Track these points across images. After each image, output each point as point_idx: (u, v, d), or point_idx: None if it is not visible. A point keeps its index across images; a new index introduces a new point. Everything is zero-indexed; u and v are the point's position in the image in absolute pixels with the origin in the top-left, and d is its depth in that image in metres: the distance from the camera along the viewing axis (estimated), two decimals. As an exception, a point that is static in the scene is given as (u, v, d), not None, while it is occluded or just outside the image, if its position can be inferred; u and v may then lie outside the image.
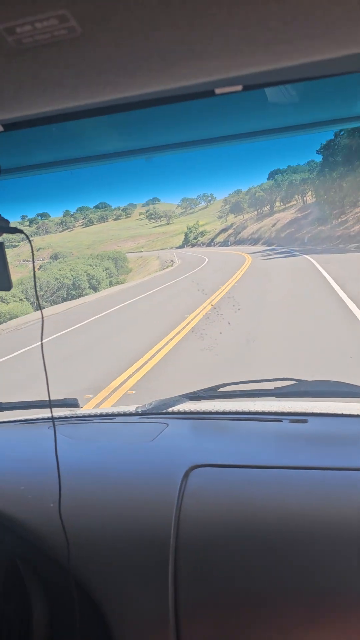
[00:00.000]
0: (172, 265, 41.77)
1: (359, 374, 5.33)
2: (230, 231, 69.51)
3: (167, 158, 1.07)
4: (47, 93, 0.54)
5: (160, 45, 0.46)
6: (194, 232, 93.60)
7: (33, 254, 1.01)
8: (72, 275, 34.12)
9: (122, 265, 56.38)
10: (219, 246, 66.94)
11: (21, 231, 0.87)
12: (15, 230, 0.86)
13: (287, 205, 62.52)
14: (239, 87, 0.60)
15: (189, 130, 0.99)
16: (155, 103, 0.64)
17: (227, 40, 0.46)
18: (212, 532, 0.99)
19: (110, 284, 38.27)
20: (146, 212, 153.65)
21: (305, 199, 54.64)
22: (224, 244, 65.94)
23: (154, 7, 0.41)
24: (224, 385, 1.56)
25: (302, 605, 0.89)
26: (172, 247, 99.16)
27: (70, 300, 26.01)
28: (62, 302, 26.14)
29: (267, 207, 65.83)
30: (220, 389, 1.55)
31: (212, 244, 75.53)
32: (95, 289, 34.01)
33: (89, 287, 33.97)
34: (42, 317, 1.04)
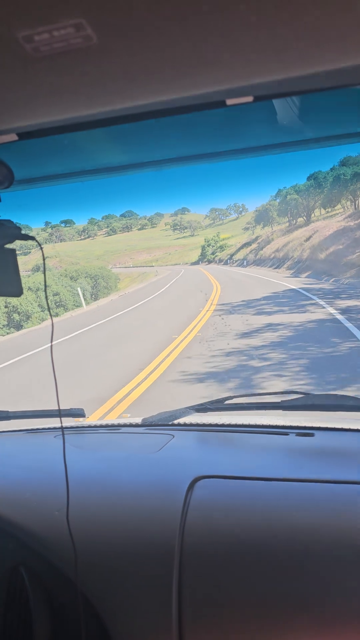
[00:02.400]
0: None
1: None
2: (253, 246, 53.49)
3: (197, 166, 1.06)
4: (62, 101, 0.55)
5: (173, 54, 0.47)
6: (213, 246, 77.64)
7: (44, 261, 1.02)
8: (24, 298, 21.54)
9: (104, 284, 42.77)
10: (237, 265, 51.15)
11: (33, 238, 0.88)
12: (26, 237, 0.87)
13: (330, 212, 45.83)
14: (250, 98, 0.60)
15: (200, 144, 1.00)
16: (167, 113, 0.64)
17: (238, 50, 0.46)
18: (217, 543, 0.99)
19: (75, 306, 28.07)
20: (172, 222, 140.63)
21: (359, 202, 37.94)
22: (241, 263, 49.91)
23: (167, 17, 0.42)
24: (231, 397, 1.57)
25: (306, 618, 0.90)
26: (186, 263, 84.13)
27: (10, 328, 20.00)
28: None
29: (303, 217, 49.10)
30: (227, 402, 1.56)
31: (229, 261, 59.59)
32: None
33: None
34: (52, 326, 1.04)
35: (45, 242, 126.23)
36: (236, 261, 55.75)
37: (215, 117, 0.83)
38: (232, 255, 62.03)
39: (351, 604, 0.88)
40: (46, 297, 1.04)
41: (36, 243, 0.89)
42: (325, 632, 0.88)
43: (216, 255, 72.63)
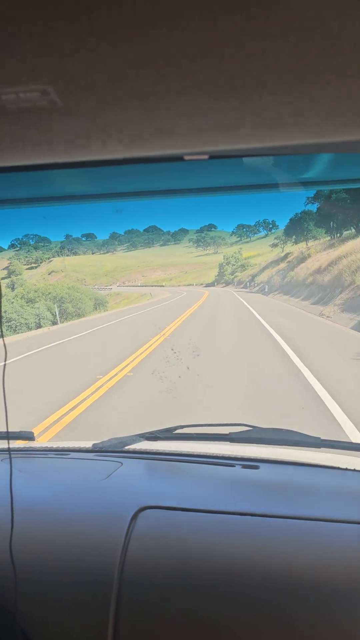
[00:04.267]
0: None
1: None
2: (281, 265, 39.84)
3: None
4: (23, 151, 0.60)
5: (132, 121, 0.51)
6: (233, 265, 64.15)
7: None
8: None
9: (73, 310, 32.32)
10: (257, 291, 37.67)
11: None
12: None
13: None
14: (205, 157, 0.66)
15: (160, 182, 1.05)
16: (126, 162, 0.69)
17: (191, 122, 0.52)
18: (156, 575, 0.99)
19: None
20: (196, 239, 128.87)
21: None
22: (262, 289, 36.47)
23: (130, 85, 0.46)
24: (182, 427, 1.58)
25: None
26: (201, 284, 71.09)
27: None
28: None
29: (353, 226, 35.01)
30: (177, 431, 1.57)
31: (249, 284, 46.00)
32: None
33: None
34: (5, 348, 1.05)
35: (55, 255, 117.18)
36: (258, 284, 42.20)
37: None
38: (254, 276, 48.46)
39: (291, 637, 0.89)
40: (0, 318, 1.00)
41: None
42: None
43: (236, 276, 59.22)
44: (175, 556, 1.01)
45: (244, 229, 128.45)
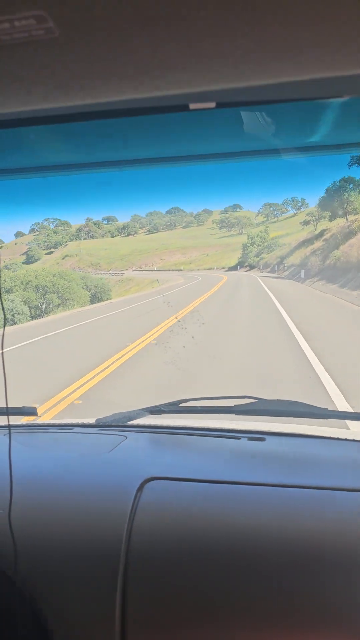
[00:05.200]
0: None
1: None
2: (317, 244, 32.53)
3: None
4: (21, 92, 0.54)
5: (136, 53, 0.47)
6: (258, 245, 56.68)
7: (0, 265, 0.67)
8: None
9: (59, 302, 26.28)
10: (289, 276, 30.67)
11: None
12: None
13: None
14: (212, 104, 0.60)
15: (168, 146, 1.01)
16: (129, 113, 0.64)
17: (201, 55, 0.47)
18: (164, 545, 0.99)
19: None
20: (220, 220, 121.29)
21: None
22: (296, 273, 29.14)
23: (131, 15, 0.42)
24: (186, 400, 1.58)
25: (252, 620, 0.91)
26: (223, 267, 63.97)
27: None
28: None
29: None
30: (182, 404, 1.56)
31: (277, 267, 38.75)
32: None
33: None
34: (4, 324, 0.94)
35: (72, 239, 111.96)
36: (288, 268, 34.88)
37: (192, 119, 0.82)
38: (283, 258, 41.10)
39: (298, 606, 0.89)
40: (1, 302, 1.00)
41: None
42: (271, 635, 0.89)
43: (261, 258, 51.86)
44: (182, 526, 1.00)
45: (271, 208, 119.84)
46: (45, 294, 26.29)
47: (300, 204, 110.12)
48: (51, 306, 25.89)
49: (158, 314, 14.93)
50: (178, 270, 68.73)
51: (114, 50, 0.47)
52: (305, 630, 0.88)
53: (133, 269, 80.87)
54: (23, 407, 1.50)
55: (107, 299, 31.81)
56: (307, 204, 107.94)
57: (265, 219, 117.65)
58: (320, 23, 0.43)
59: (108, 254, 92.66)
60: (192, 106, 0.60)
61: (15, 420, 1.64)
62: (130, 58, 0.48)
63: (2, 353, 0.97)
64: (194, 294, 22.30)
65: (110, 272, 71.17)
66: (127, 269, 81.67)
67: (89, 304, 27.94)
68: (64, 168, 1.04)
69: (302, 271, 26.88)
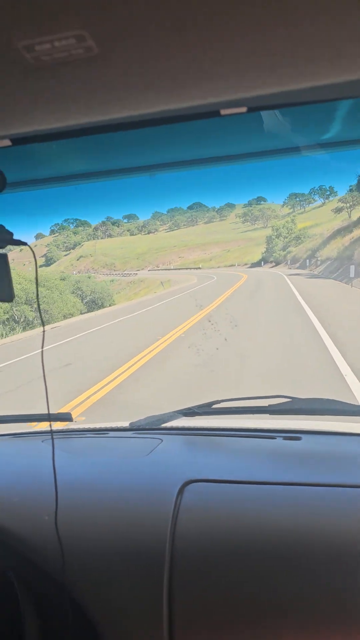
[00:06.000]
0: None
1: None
2: (356, 233, 26.34)
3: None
4: (60, 109, 0.55)
5: (171, 65, 0.48)
6: (285, 238, 50.31)
7: (37, 266, 1.00)
8: None
9: (24, 319, 21.11)
10: (326, 273, 24.62)
11: (25, 243, 0.90)
12: (18, 242, 0.88)
13: None
14: (244, 109, 0.61)
15: (196, 149, 1.03)
16: (163, 122, 0.65)
17: (233, 63, 0.47)
18: (207, 547, 1.00)
19: None
20: (243, 214, 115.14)
21: None
22: (334, 268, 22.88)
23: (167, 29, 0.42)
24: (218, 402, 1.56)
25: (297, 621, 0.92)
26: (245, 264, 57.90)
27: None
28: None
29: None
30: (215, 406, 1.55)
31: (309, 262, 32.55)
32: None
33: None
34: (44, 331, 1.08)
35: (89, 239, 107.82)
36: (323, 262, 28.83)
37: (209, 125, 0.84)
38: (314, 250, 34.79)
39: (343, 605, 0.89)
40: (38, 304, 1.01)
41: (29, 247, 0.90)
42: (318, 634, 0.89)
43: (289, 252, 45.48)
44: (224, 527, 1.01)
45: (297, 199, 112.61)
46: (14, 306, 20.93)
47: (328, 193, 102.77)
48: (31, 319, 20.66)
49: (134, 338, 9.25)
50: (197, 268, 63.04)
51: (150, 63, 0.47)
52: (353, 630, 0.88)
53: (149, 269, 75.67)
54: (59, 413, 1.53)
55: (110, 305, 27.08)
56: (335, 192, 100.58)
57: (291, 210, 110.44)
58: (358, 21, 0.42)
59: (124, 253, 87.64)
60: (223, 112, 0.60)
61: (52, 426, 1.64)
62: (165, 69, 0.48)
63: (42, 360, 0.99)
64: (203, 298, 16.46)
65: (124, 272, 66.15)
66: (143, 269, 76.61)
67: (80, 314, 22.79)
68: (92, 175, 1.06)
69: (352, 267, 19.32)
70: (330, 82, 0.50)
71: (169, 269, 68.53)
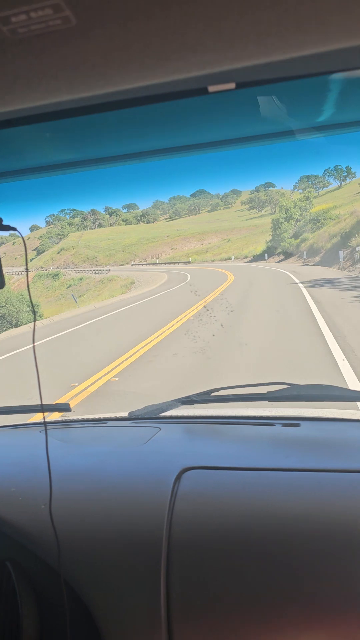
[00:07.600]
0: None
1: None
2: None
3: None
4: (41, 86, 0.54)
5: (154, 37, 0.46)
6: (297, 221, 37.71)
7: (27, 255, 1.00)
8: None
9: None
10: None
11: (14, 229, 0.88)
12: (7, 228, 0.85)
13: None
14: (232, 85, 0.59)
15: (187, 134, 1.01)
16: (148, 100, 0.63)
17: (220, 34, 0.46)
18: (205, 534, 1.00)
19: None
20: (249, 199, 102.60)
21: None
22: None
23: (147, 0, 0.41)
24: (217, 389, 1.58)
25: (296, 608, 0.91)
26: (245, 257, 45.63)
27: None
28: None
29: None
30: (213, 394, 1.56)
31: (342, 256, 20.11)
32: None
33: None
34: (35, 324, 1.10)
35: (78, 229, 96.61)
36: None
37: (200, 107, 0.82)
38: (346, 237, 22.35)
39: (342, 592, 0.89)
40: (29, 295, 1.06)
41: (19, 234, 0.89)
42: (317, 622, 0.89)
43: (303, 240, 32.92)
44: (222, 513, 1.00)
45: (309, 182, 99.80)
46: None
47: (345, 174, 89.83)
48: None
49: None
50: (186, 262, 51.16)
51: (131, 35, 0.46)
52: (355, 616, 0.87)
53: (133, 263, 63.84)
54: (57, 403, 1.56)
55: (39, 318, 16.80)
56: (353, 173, 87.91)
57: (302, 195, 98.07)
58: None
59: (109, 245, 76.01)
60: (211, 89, 0.59)
61: (50, 416, 1.60)
62: (148, 41, 0.47)
63: (35, 353, 0.99)
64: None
65: (96, 269, 54.38)
66: (127, 263, 64.85)
67: None
68: (83, 164, 1.03)
69: None
70: (317, 52, 0.48)
71: (154, 264, 56.67)
